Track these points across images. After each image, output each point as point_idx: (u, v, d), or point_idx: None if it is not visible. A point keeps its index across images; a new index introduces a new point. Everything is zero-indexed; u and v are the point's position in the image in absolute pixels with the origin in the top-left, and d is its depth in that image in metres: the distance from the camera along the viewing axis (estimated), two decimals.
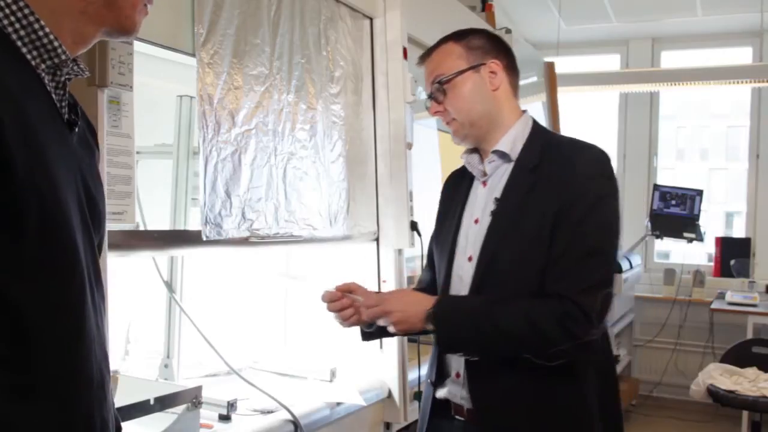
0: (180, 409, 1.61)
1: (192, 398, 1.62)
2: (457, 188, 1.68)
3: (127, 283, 1.90)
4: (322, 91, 2.13)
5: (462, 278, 1.56)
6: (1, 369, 0.79)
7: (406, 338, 2.25)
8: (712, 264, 5.30)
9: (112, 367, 1.36)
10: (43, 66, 0.86)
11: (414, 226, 2.31)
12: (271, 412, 1.83)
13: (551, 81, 4.27)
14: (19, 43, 0.84)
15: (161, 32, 1.61)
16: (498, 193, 1.54)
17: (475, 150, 1.63)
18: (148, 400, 1.54)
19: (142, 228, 1.70)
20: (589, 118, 6.78)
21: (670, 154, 7.42)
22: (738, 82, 4.61)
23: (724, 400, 3.71)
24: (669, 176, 6.05)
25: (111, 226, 1.35)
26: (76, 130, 0.93)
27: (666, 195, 5.13)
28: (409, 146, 2.37)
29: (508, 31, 3.43)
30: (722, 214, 8.73)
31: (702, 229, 5.03)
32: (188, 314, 1.88)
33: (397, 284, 2.32)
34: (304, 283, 2.45)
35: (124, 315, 2.02)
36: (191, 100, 1.88)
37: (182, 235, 1.77)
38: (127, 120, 1.42)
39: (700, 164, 10.55)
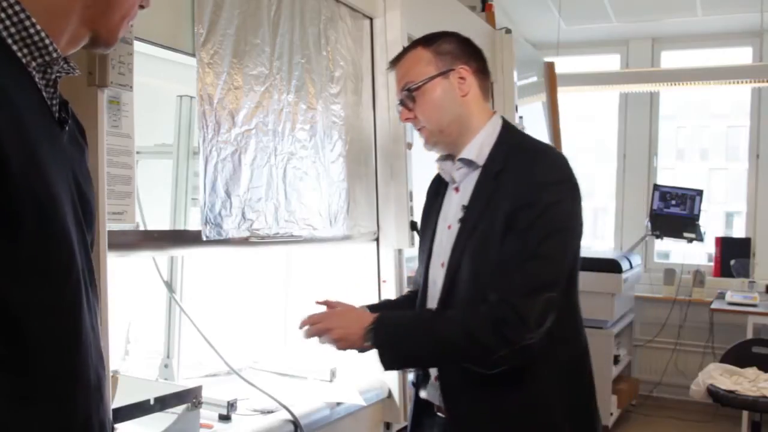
0: (180, 409, 1.61)
1: (192, 398, 1.62)
2: (435, 194, 1.71)
3: (127, 283, 1.90)
4: (322, 91, 2.13)
5: (436, 284, 1.59)
6: (0, 372, 0.79)
7: None
8: (712, 264, 5.30)
9: (112, 367, 1.37)
10: (33, 64, 0.85)
11: (414, 226, 2.31)
12: (271, 412, 1.83)
13: (551, 81, 4.27)
14: (9, 41, 0.83)
15: (161, 32, 1.61)
16: (466, 200, 1.56)
17: (448, 156, 1.64)
18: (148, 400, 1.54)
19: (142, 228, 1.70)
20: (589, 118, 6.79)
21: (670, 154, 7.42)
22: (738, 82, 4.61)
23: (724, 400, 3.71)
24: (669, 176, 6.04)
25: (111, 226, 1.35)
26: (66, 128, 0.93)
27: (666, 195, 5.13)
28: (409, 146, 2.37)
29: (508, 31, 3.43)
30: (722, 214, 8.73)
31: (702, 229, 5.03)
32: (188, 314, 1.88)
33: (397, 284, 2.32)
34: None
35: (124, 315, 2.02)
36: (191, 100, 1.88)
37: (182, 235, 1.77)
38: (127, 120, 1.42)
39: (700, 164, 10.55)
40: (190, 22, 1.68)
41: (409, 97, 1.60)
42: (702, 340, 5.06)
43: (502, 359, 1.44)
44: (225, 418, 1.76)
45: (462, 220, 1.54)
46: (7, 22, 0.82)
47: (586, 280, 4.71)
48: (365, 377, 2.21)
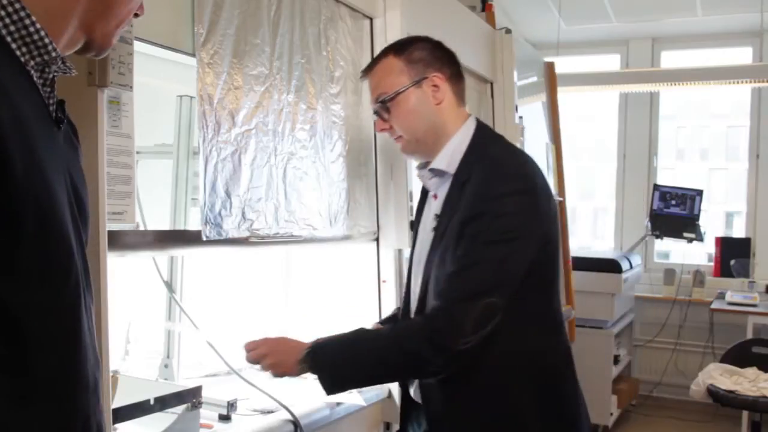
0: (180, 409, 1.61)
1: (192, 398, 1.62)
2: (422, 200, 1.72)
3: (127, 283, 1.90)
4: (322, 91, 2.13)
5: (415, 292, 1.61)
6: (0, 373, 0.79)
7: None
8: (712, 264, 5.30)
9: (112, 367, 1.37)
10: (32, 63, 0.85)
11: (414, 226, 2.31)
12: (271, 412, 1.83)
13: (551, 81, 4.27)
14: (8, 39, 0.82)
15: (161, 32, 1.61)
16: (440, 209, 1.56)
17: (427, 163, 1.64)
18: (148, 400, 1.54)
19: (142, 228, 1.70)
20: (589, 118, 6.79)
21: (670, 154, 7.41)
22: (738, 82, 4.61)
23: (724, 400, 3.71)
24: (669, 176, 6.05)
25: (111, 226, 1.35)
26: (62, 127, 0.92)
27: (666, 195, 5.13)
28: None
29: (508, 31, 3.43)
30: (722, 214, 8.73)
31: (702, 229, 5.04)
32: (188, 314, 1.88)
33: (397, 284, 2.32)
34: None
35: (124, 315, 2.02)
36: (191, 100, 1.88)
37: (182, 235, 1.77)
38: (127, 120, 1.42)
39: (700, 164, 10.54)
40: (190, 22, 1.68)
41: (383, 108, 1.60)
42: (702, 340, 5.06)
43: (440, 367, 1.46)
44: (225, 418, 1.76)
45: (434, 229, 1.55)
46: (7, 20, 0.82)
47: (586, 280, 4.73)
48: None
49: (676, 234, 5.02)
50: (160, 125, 1.98)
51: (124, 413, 1.46)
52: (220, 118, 1.73)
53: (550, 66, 4.29)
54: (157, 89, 2.00)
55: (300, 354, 1.49)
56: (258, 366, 1.54)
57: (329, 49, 2.18)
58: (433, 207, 1.61)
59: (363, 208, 2.30)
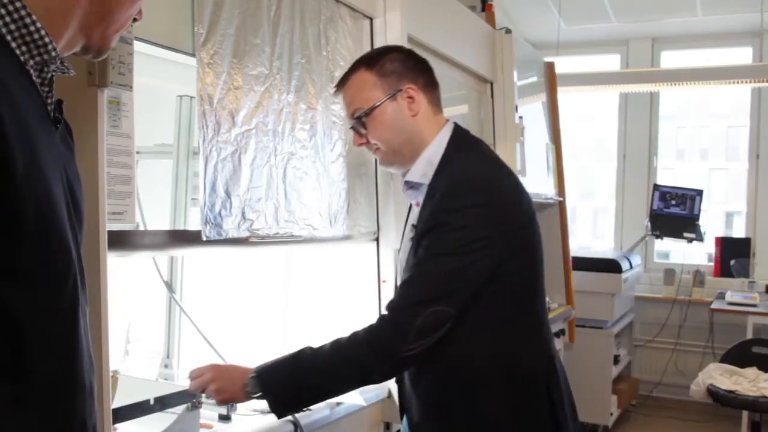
0: (180, 409, 1.61)
1: (192, 398, 1.62)
2: (410, 208, 1.73)
3: (127, 283, 1.90)
4: (322, 91, 2.13)
5: None
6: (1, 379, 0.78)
7: None
8: (712, 264, 5.30)
9: (112, 367, 1.36)
10: (31, 62, 0.84)
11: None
12: (271, 412, 1.83)
13: (551, 81, 4.27)
14: (8, 38, 0.82)
15: (161, 32, 1.61)
16: (416, 218, 1.57)
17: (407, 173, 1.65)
18: (148, 400, 1.54)
19: (142, 228, 1.70)
20: (589, 118, 6.79)
21: (670, 154, 7.41)
22: (738, 82, 4.61)
23: (724, 400, 3.71)
24: (669, 176, 6.05)
25: (111, 226, 1.35)
26: (59, 127, 0.92)
27: (666, 195, 5.13)
28: None
29: (508, 31, 3.43)
30: (722, 214, 8.73)
31: (702, 229, 5.04)
32: (188, 314, 1.88)
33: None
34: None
35: (124, 315, 2.01)
36: (191, 100, 1.88)
37: (182, 235, 1.77)
38: (127, 120, 1.42)
39: (700, 164, 10.54)
40: (190, 22, 1.68)
41: (359, 123, 1.59)
42: (702, 340, 5.06)
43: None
44: (225, 418, 1.75)
45: (411, 239, 1.57)
46: (7, 19, 0.81)
47: (586, 280, 4.73)
48: None
49: (676, 234, 5.02)
50: (160, 125, 1.98)
51: (124, 413, 1.46)
52: (220, 118, 1.73)
53: (550, 66, 4.29)
54: (157, 89, 2.00)
55: (245, 379, 1.48)
56: (204, 394, 1.53)
57: (329, 49, 2.18)
58: (413, 216, 1.61)
59: (363, 208, 2.30)
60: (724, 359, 4.08)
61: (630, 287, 4.85)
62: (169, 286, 1.94)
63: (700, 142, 10.58)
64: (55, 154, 0.88)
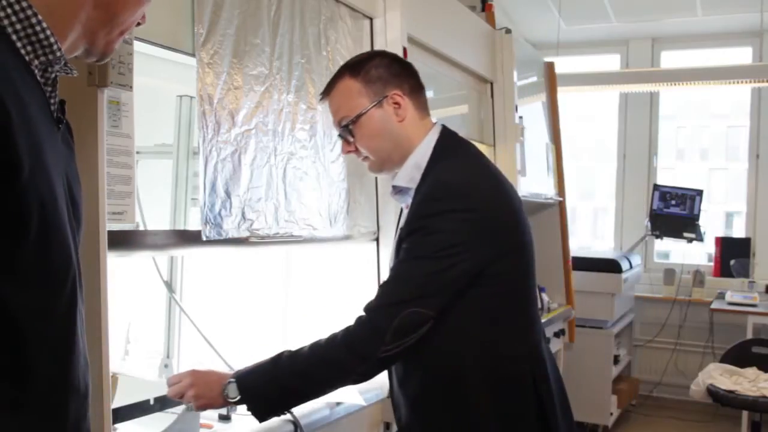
0: (180, 409, 1.61)
1: None
2: (401, 212, 1.72)
3: (127, 283, 1.90)
4: None
5: None
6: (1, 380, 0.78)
7: None
8: (712, 264, 5.30)
9: (112, 367, 1.37)
10: (36, 62, 0.84)
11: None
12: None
13: (551, 81, 4.27)
14: (14, 37, 0.82)
15: (161, 32, 1.61)
16: (403, 221, 1.58)
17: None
18: (148, 400, 1.55)
19: (142, 228, 1.70)
20: (589, 118, 6.79)
21: (670, 154, 7.41)
22: (738, 82, 4.61)
23: (724, 400, 3.72)
24: (669, 176, 6.05)
25: (111, 226, 1.35)
26: (61, 128, 0.92)
27: (666, 195, 5.13)
28: None
29: (508, 31, 3.43)
30: (722, 214, 8.73)
31: (702, 229, 5.04)
32: (188, 314, 1.88)
33: None
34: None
35: (124, 315, 2.02)
36: (191, 100, 1.88)
37: (182, 235, 1.77)
38: (127, 120, 1.42)
39: (700, 164, 10.54)
40: (190, 22, 1.68)
41: (346, 131, 1.58)
42: (702, 340, 5.06)
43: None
44: (225, 418, 1.75)
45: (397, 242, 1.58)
46: (13, 18, 0.81)
47: (586, 280, 4.73)
48: None
49: (676, 234, 5.02)
50: (160, 125, 1.98)
51: (124, 413, 1.46)
52: (220, 118, 1.73)
53: (550, 66, 4.29)
54: (157, 89, 1.99)
55: (223, 384, 1.48)
56: (183, 400, 1.52)
57: (329, 49, 2.18)
58: (404, 219, 1.62)
59: (363, 208, 2.30)
60: (724, 359, 4.08)
61: (630, 287, 4.85)
62: (169, 286, 1.94)
63: (700, 142, 10.58)
64: (58, 154, 0.88)
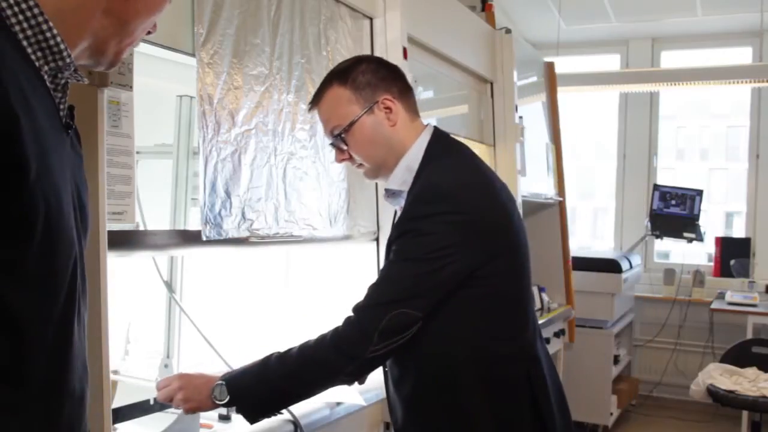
0: (179, 409, 1.60)
1: None
2: (395, 214, 1.72)
3: (127, 283, 1.90)
4: None
5: None
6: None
7: None
8: (712, 264, 5.30)
9: (112, 367, 1.37)
10: (46, 67, 0.85)
11: None
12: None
13: (551, 81, 4.27)
14: (24, 43, 0.82)
15: (161, 32, 1.59)
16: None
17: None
18: (148, 400, 1.55)
19: (142, 228, 1.70)
20: (589, 118, 6.79)
21: (670, 154, 7.43)
22: (738, 82, 4.61)
23: (724, 400, 3.71)
24: (669, 176, 6.05)
25: (111, 226, 1.35)
26: (70, 133, 0.93)
27: (666, 195, 5.13)
28: None
29: (508, 31, 3.43)
30: (722, 214, 8.73)
31: (702, 229, 5.04)
32: (188, 314, 1.88)
33: None
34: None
35: (124, 315, 2.01)
36: (191, 100, 1.88)
37: (182, 235, 1.77)
38: (127, 120, 1.42)
39: (700, 164, 10.55)
40: (190, 22, 1.68)
41: (339, 140, 1.57)
42: (702, 340, 5.06)
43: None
44: (225, 418, 1.75)
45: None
46: (24, 25, 0.82)
47: (586, 280, 4.73)
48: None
49: (676, 234, 5.02)
50: (160, 125, 1.98)
51: (124, 413, 1.46)
52: (220, 118, 1.73)
53: (550, 66, 4.29)
54: (157, 89, 1.99)
55: (212, 387, 1.48)
56: (171, 404, 1.52)
57: (329, 49, 2.18)
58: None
59: (363, 208, 2.30)
60: (724, 359, 4.08)
61: (630, 287, 4.85)
62: (169, 286, 1.93)
63: (700, 142, 10.59)
64: (66, 160, 0.88)
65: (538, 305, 3.62)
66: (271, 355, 1.52)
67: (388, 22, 2.39)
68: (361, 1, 2.32)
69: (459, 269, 1.45)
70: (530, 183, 3.58)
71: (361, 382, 1.68)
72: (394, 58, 2.37)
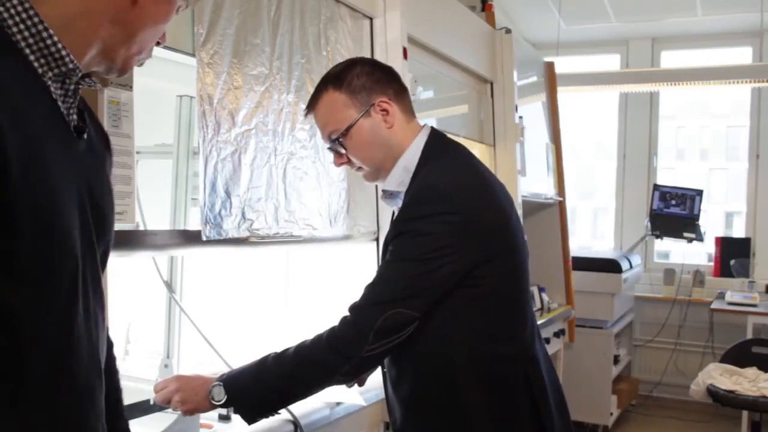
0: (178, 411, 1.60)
1: None
2: (393, 215, 1.72)
3: (127, 283, 1.90)
4: None
5: None
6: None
7: None
8: (712, 264, 5.30)
9: None
10: (50, 74, 0.87)
11: None
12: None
13: (551, 81, 4.27)
14: (27, 51, 0.85)
15: None
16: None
17: None
18: (148, 401, 1.54)
19: (142, 228, 1.70)
20: (589, 118, 6.80)
21: (670, 154, 7.43)
22: (738, 82, 4.61)
23: (724, 400, 3.71)
24: (669, 176, 6.05)
25: None
26: (84, 136, 0.94)
27: (666, 195, 5.13)
28: None
29: (508, 31, 3.43)
30: (722, 214, 8.73)
31: (702, 229, 5.04)
32: (188, 314, 1.88)
33: None
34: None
35: (124, 315, 2.02)
36: (191, 100, 1.88)
37: (182, 235, 1.77)
38: (127, 120, 1.42)
39: (700, 164, 10.55)
40: (190, 22, 1.68)
41: (337, 145, 1.57)
42: (702, 340, 5.06)
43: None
44: (225, 418, 1.75)
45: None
46: (26, 33, 0.84)
47: (586, 280, 4.73)
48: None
49: (676, 234, 5.02)
50: (160, 125, 1.98)
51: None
52: (220, 118, 1.73)
53: (550, 66, 4.29)
54: (157, 89, 1.99)
55: (209, 388, 1.48)
56: (169, 406, 1.52)
57: (329, 49, 2.18)
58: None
59: (363, 208, 2.30)
60: (724, 359, 4.07)
61: (630, 287, 4.85)
62: (169, 286, 1.93)
63: (700, 142, 10.60)
64: (74, 163, 0.89)
65: (538, 305, 3.62)
66: (268, 355, 1.52)
67: (388, 22, 2.39)
68: (361, 1, 2.32)
69: (456, 269, 1.45)
70: (530, 183, 3.58)
71: (361, 384, 1.68)
72: (394, 58, 2.37)
